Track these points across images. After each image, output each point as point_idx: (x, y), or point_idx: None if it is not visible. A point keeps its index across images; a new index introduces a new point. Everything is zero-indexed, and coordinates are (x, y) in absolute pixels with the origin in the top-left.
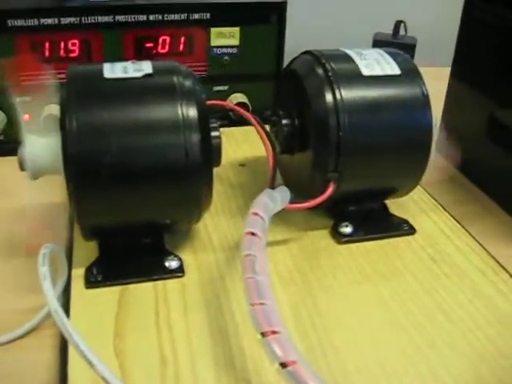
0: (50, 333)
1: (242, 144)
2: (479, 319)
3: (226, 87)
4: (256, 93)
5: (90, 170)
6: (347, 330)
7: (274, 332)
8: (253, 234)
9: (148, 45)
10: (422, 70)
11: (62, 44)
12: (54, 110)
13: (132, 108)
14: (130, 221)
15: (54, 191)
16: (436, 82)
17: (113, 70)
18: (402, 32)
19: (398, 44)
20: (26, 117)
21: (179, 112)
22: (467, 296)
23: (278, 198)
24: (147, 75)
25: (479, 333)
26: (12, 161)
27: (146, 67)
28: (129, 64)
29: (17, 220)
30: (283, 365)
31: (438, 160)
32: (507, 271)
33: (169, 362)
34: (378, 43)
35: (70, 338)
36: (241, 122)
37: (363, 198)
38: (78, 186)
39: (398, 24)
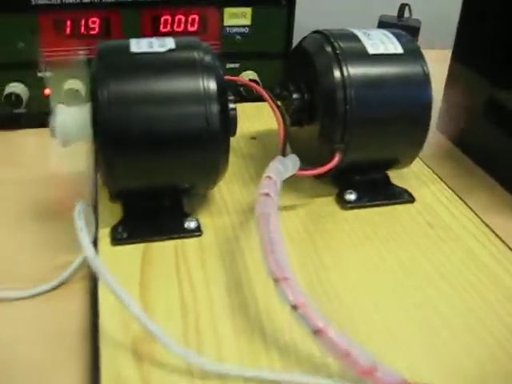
0: (79, 286)
1: (253, 119)
2: (471, 278)
3: (237, 65)
4: (266, 70)
5: (119, 138)
6: (350, 284)
7: (285, 278)
8: (267, 194)
9: (164, 23)
10: (425, 52)
11: (83, 22)
12: (74, 84)
13: (157, 80)
14: (153, 184)
15: (76, 160)
16: (438, 63)
17: (139, 45)
18: (406, 14)
19: (402, 26)
20: (48, 91)
21: (200, 84)
22: (460, 258)
23: (289, 164)
24: (170, 50)
25: (471, 290)
26: (34, 133)
27: (170, 43)
28: (153, 40)
29: (43, 186)
30: (294, 307)
31: (439, 137)
32: (498, 236)
33: (189, 310)
34: (383, 24)
35: (104, 278)
36: (251, 98)
37: (367, 167)
38: (109, 152)
39: (402, 7)
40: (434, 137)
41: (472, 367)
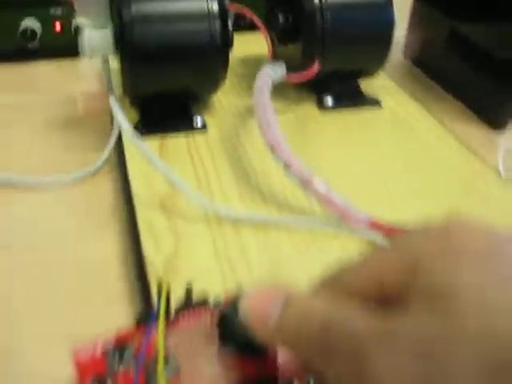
0: (107, 177)
1: (242, 46)
2: (425, 158)
3: None
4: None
5: (139, 50)
6: (328, 166)
7: (279, 144)
8: (261, 88)
9: None
10: None
11: None
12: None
13: (171, 2)
14: (166, 89)
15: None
16: None
17: None
18: None
19: None
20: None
21: (205, 6)
22: (418, 145)
23: (277, 69)
24: None
25: (426, 167)
26: (48, 63)
27: None
28: None
29: (64, 105)
30: (287, 166)
31: (405, 63)
32: (447, 128)
33: (202, 181)
34: None
35: (140, 146)
36: (241, 29)
37: (341, 76)
38: (131, 63)
39: None
40: (401, 63)
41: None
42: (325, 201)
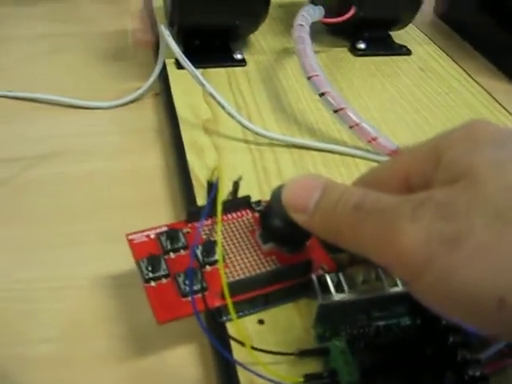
0: (151, 101)
1: None
2: (450, 102)
3: None
4: None
5: None
6: (360, 99)
7: (316, 75)
8: (301, 25)
9: None
10: None
11: None
12: None
13: None
14: (210, 23)
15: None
16: None
17: None
18: None
19: None
20: None
21: None
22: (443, 90)
23: (317, 10)
24: None
25: (450, 109)
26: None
27: None
28: None
29: (105, 37)
30: (322, 94)
31: (436, 20)
32: (473, 78)
33: (242, 108)
34: None
35: (190, 68)
36: None
37: (374, 24)
38: None
39: None
40: (432, 19)
41: None
42: (356, 128)
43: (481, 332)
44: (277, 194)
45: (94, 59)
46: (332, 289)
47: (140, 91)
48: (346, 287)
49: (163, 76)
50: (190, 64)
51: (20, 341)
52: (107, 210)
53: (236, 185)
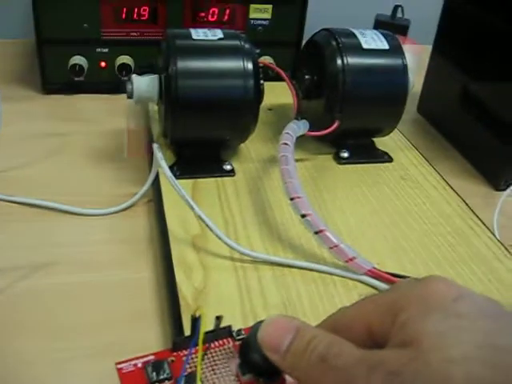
0: (143, 209)
1: (269, 95)
2: (427, 213)
3: (257, 50)
4: (280, 56)
5: (181, 100)
6: (342, 212)
7: (298, 197)
8: (286, 144)
9: (201, 14)
10: (412, 46)
11: (136, 10)
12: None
13: (211, 60)
14: (201, 136)
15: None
16: (424, 55)
17: (197, 34)
18: (399, 14)
19: (394, 25)
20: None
21: (241, 64)
22: (421, 199)
23: (301, 125)
24: (220, 39)
25: (427, 221)
26: (92, 97)
27: (219, 33)
28: (207, 30)
29: (103, 137)
30: (303, 215)
31: (418, 118)
32: (450, 186)
33: (229, 222)
34: (378, 23)
35: (178, 188)
36: (268, 78)
37: (358, 134)
38: (173, 111)
39: (395, 8)
40: (414, 117)
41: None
42: (335, 249)
43: None
44: (255, 329)
45: (91, 161)
46: None
47: (134, 199)
48: None
49: (156, 183)
50: (181, 188)
51: None
52: (97, 326)
53: (218, 320)
